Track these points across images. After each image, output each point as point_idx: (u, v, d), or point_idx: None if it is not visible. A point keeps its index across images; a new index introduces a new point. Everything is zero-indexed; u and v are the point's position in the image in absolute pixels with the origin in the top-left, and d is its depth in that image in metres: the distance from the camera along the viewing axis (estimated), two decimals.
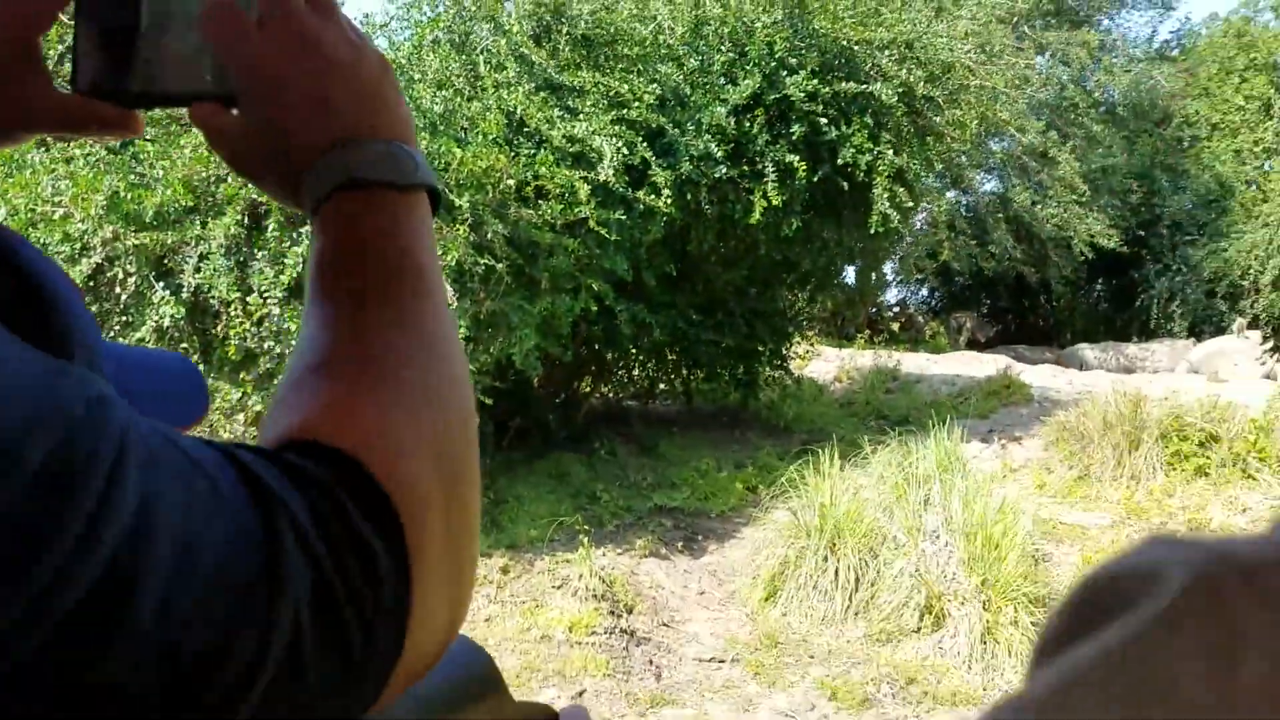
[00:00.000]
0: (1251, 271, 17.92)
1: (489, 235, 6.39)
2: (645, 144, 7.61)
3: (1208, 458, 8.91)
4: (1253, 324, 17.28)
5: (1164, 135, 21.26)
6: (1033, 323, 22.08)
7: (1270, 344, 15.82)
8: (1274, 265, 17.52)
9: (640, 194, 7.59)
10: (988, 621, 6.37)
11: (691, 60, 8.61)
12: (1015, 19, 18.05)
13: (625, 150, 7.40)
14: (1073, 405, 10.44)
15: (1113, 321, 21.14)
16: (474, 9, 8.43)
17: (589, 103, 7.63)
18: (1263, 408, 9.52)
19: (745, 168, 8.39)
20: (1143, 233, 19.60)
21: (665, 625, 6.72)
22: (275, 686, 0.44)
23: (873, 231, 8.67)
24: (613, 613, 6.59)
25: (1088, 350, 17.61)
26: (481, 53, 8.01)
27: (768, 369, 10.74)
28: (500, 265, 6.40)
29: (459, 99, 7.37)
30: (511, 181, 6.90)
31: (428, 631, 0.54)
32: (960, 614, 6.43)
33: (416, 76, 7.36)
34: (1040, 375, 13.53)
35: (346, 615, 0.48)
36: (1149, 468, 8.95)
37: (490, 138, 6.97)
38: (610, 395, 10.82)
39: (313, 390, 0.56)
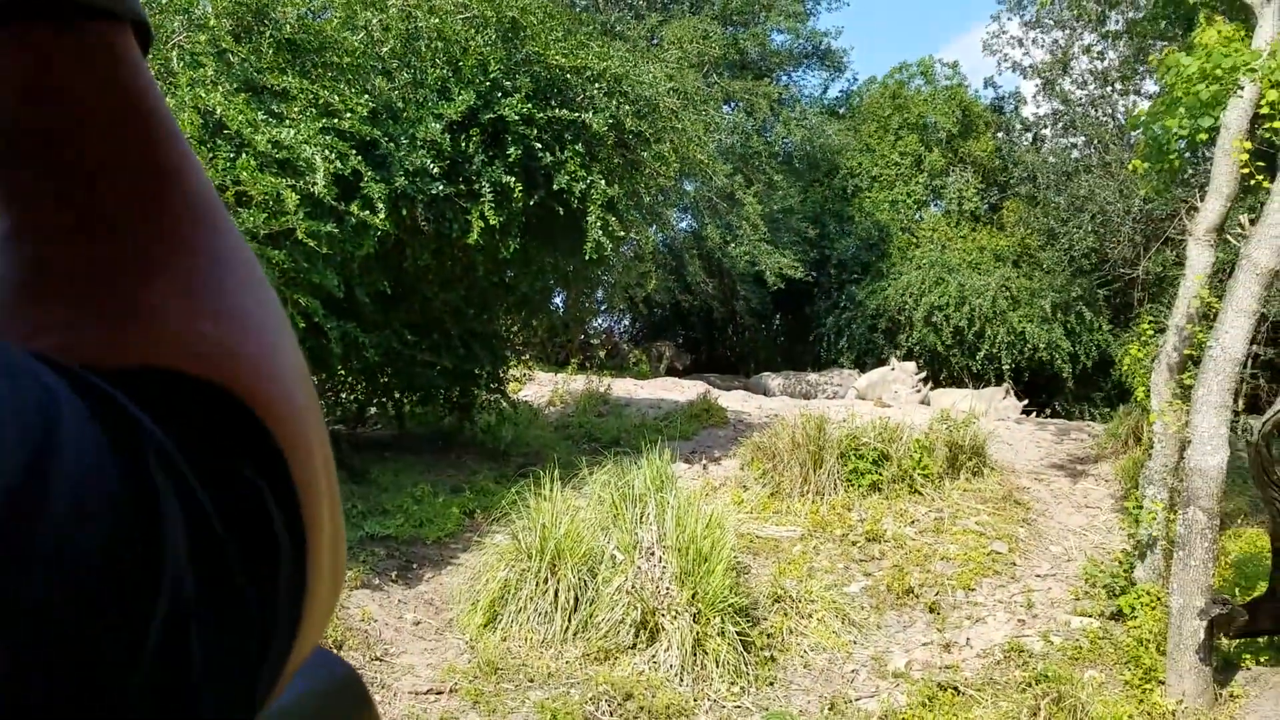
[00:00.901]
0: (906, 309, 20.21)
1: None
2: (358, 155, 7.29)
3: (880, 474, 9.82)
4: (908, 355, 19.43)
5: (832, 185, 23.51)
6: (722, 352, 23.53)
7: (923, 374, 17.82)
8: (925, 303, 19.86)
9: (353, 207, 7.25)
10: (698, 634, 6.61)
11: (404, 73, 8.39)
12: (705, 67, 19.27)
13: (337, 161, 7.05)
14: (764, 428, 11.17)
15: (790, 352, 22.96)
16: (166, 1, 7.72)
17: (296, 108, 7.21)
18: (924, 429, 10.64)
19: (462, 186, 8.28)
20: (815, 273, 21.49)
21: (379, 660, 6.38)
22: (159, 666, 0.33)
23: (587, 258, 8.82)
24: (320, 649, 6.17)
25: (771, 378, 18.97)
26: (174, 47, 7.34)
27: (485, 392, 10.61)
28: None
29: None
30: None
31: (318, 613, 0.44)
32: (673, 627, 6.62)
33: None
34: (734, 400, 14.40)
35: (242, 592, 0.37)
36: (831, 484, 9.73)
37: (184, 137, 6.39)
38: None
39: (126, 294, 0.41)
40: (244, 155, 6.71)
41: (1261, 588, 6.74)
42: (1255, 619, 6.43)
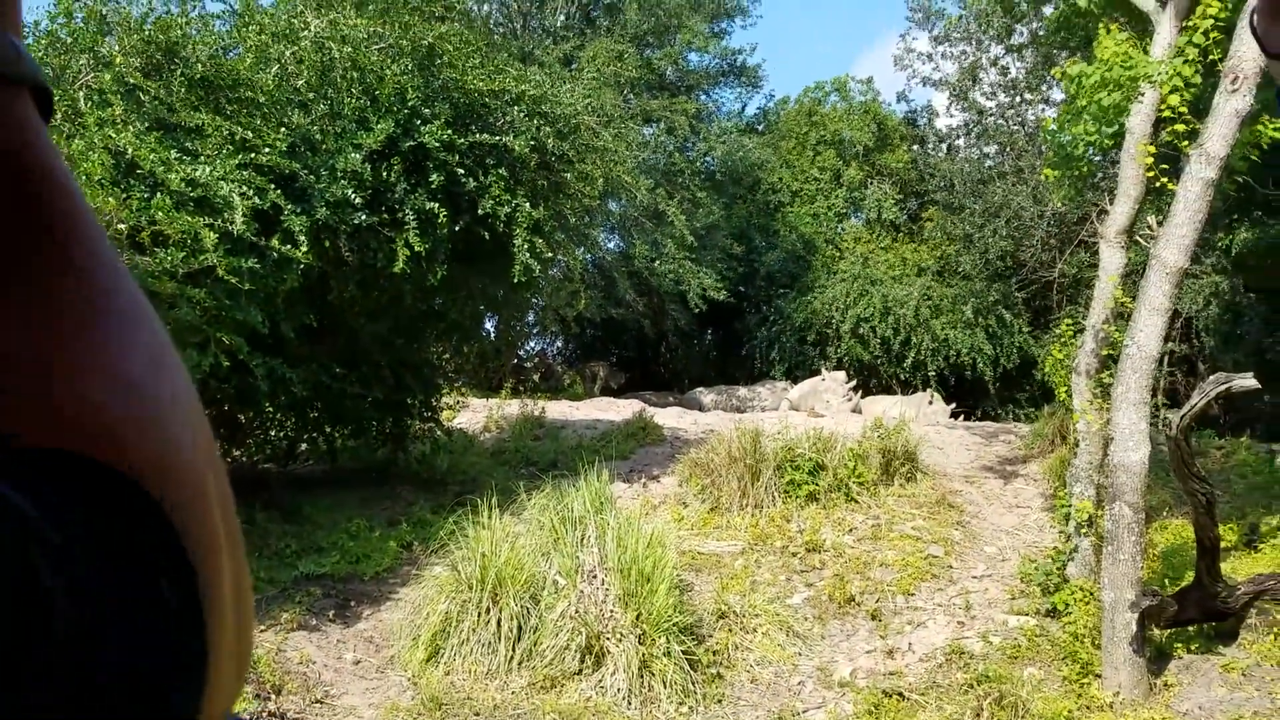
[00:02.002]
0: (834, 320, 20.53)
1: None
2: (277, 189, 7.17)
3: (817, 484, 9.91)
4: (837, 365, 19.71)
5: (756, 200, 23.82)
6: (655, 370, 23.60)
7: (853, 383, 18.09)
8: (852, 315, 20.21)
9: (274, 241, 7.11)
10: (644, 655, 6.58)
11: (321, 105, 8.28)
12: (623, 87, 19.40)
13: (256, 197, 6.92)
14: (700, 443, 11.21)
15: (723, 367, 23.13)
16: (70, 41, 7.51)
17: (210, 145, 7.06)
18: (858, 438, 10.78)
19: (385, 215, 8.18)
20: (743, 287, 21.73)
21: (319, 702, 6.22)
22: None
23: (516, 281, 8.78)
24: (258, 696, 6.00)
25: (705, 394, 19.08)
26: (81, 88, 7.14)
27: (418, 422, 10.45)
28: None
29: (57, 137, 6.49)
30: (123, 226, 6.19)
31: (225, 674, 0.42)
32: (619, 650, 6.58)
33: None
34: (669, 417, 14.42)
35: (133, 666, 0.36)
36: (769, 496, 9.79)
37: (95, 179, 6.21)
38: (245, 459, 9.94)
39: (7, 365, 0.40)
40: (159, 195, 6.55)
41: (1188, 578, 6.95)
42: (1184, 609, 6.63)
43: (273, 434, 10.08)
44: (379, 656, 6.85)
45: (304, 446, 10.46)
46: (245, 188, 6.84)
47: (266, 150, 7.22)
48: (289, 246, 7.12)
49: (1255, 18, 0.85)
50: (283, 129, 7.65)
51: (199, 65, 7.54)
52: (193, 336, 6.71)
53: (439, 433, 10.81)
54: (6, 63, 0.44)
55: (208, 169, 6.77)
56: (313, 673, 6.46)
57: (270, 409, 9.27)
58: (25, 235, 0.42)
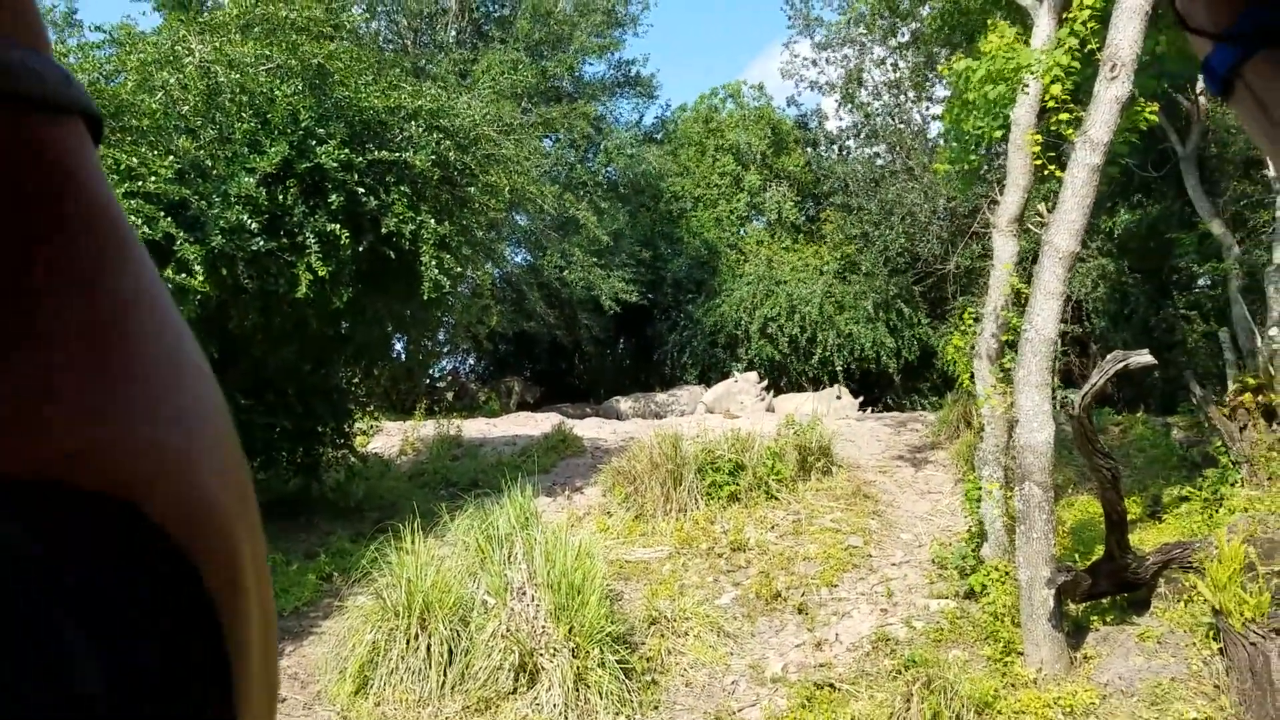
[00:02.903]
0: (742, 323, 20.80)
1: None
2: (168, 218, 6.93)
3: (738, 484, 10.01)
4: (749, 367, 19.97)
5: (659, 209, 23.99)
6: (570, 381, 23.54)
7: (765, 383, 18.34)
8: (759, 315, 20.50)
9: (169, 271, 6.87)
10: (578, 668, 6.53)
11: (209, 130, 8.04)
12: (520, 98, 19.32)
13: (145, 226, 6.67)
14: (621, 452, 11.21)
15: (636, 374, 23.20)
16: None
17: None
18: (774, 436, 10.92)
19: (285, 239, 7.98)
20: (652, 295, 21.84)
21: None
22: None
23: (426, 298, 8.65)
24: None
25: (622, 402, 19.10)
26: None
27: (330, 449, 10.20)
28: None
29: None
30: None
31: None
32: (553, 665, 6.51)
33: None
34: (588, 428, 14.39)
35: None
36: (692, 499, 9.85)
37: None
38: None
39: (39, 395, 0.37)
40: None
41: (1099, 551, 7.21)
42: (1097, 582, 6.88)
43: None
44: (305, 693, 6.65)
45: None
46: (134, 217, 6.59)
47: (153, 178, 6.98)
48: (184, 276, 6.88)
49: None
50: (170, 156, 7.40)
51: None
52: None
53: (353, 459, 10.57)
54: (57, 91, 0.43)
55: None
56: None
57: None
58: (76, 268, 0.40)
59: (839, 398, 17.31)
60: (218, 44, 8.27)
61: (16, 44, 0.43)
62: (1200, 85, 13.22)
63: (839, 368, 19.90)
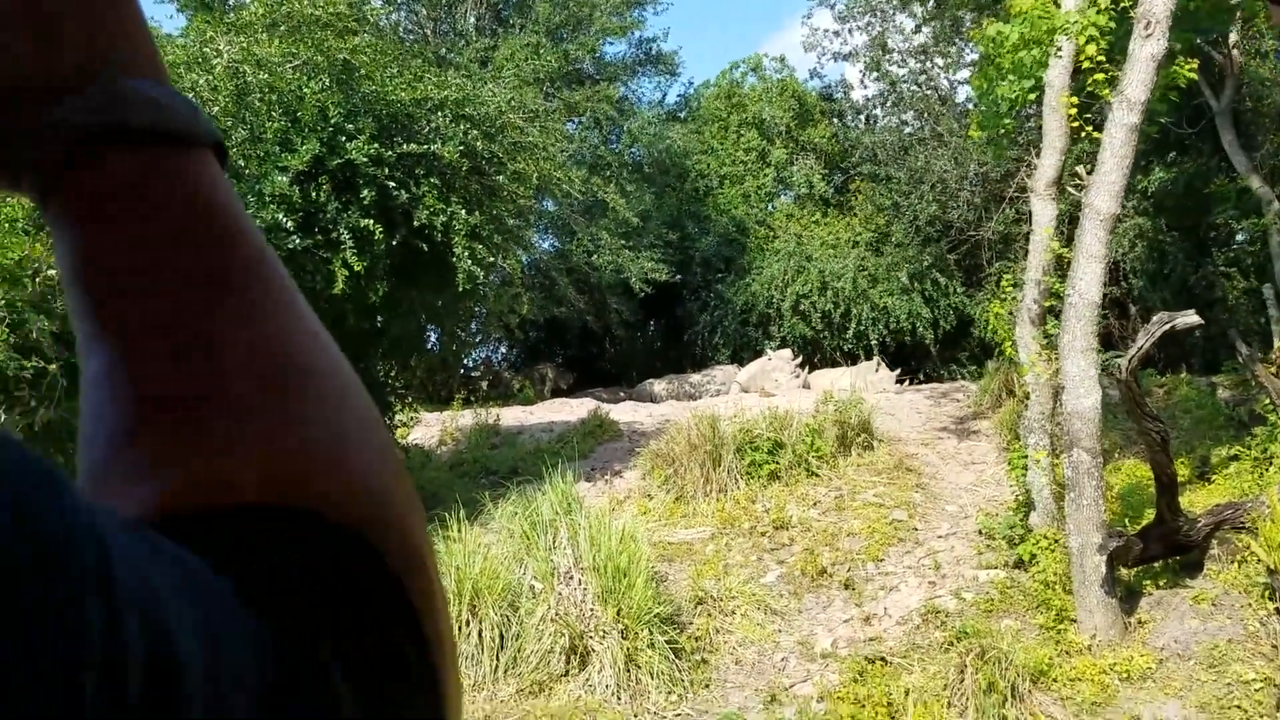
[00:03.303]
0: (774, 300, 20.68)
1: (33, 334, 5.45)
2: None
3: (777, 463, 9.99)
4: (781, 344, 19.87)
5: (685, 188, 23.86)
6: (602, 366, 23.53)
7: (799, 359, 18.26)
8: (791, 293, 20.37)
9: None
10: (628, 650, 6.57)
11: (240, 130, 8.10)
12: (543, 83, 19.27)
13: None
14: (659, 434, 11.21)
15: (669, 356, 23.16)
16: None
17: None
18: (811, 412, 10.88)
19: (319, 237, 8.03)
20: (681, 275, 21.76)
21: None
22: None
23: (460, 289, 8.68)
24: None
25: (656, 384, 19.09)
26: None
27: None
28: (52, 367, 5.47)
29: None
30: (53, 271, 5.98)
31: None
32: (603, 648, 6.56)
33: None
34: (624, 412, 14.41)
35: None
36: (732, 479, 9.84)
37: (17, 224, 6.00)
38: None
39: (221, 423, 0.39)
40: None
41: (1149, 515, 7.13)
42: (1149, 546, 6.80)
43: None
44: None
45: None
46: None
47: None
48: None
49: None
50: None
51: None
52: None
53: None
54: (191, 126, 0.45)
55: None
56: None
57: None
58: (223, 292, 0.43)
59: (877, 370, 17.19)
60: (245, 44, 8.31)
61: (158, 81, 0.45)
62: (1235, 38, 12.94)
63: (874, 341, 19.74)
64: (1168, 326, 6.25)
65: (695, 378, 19.09)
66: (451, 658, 0.42)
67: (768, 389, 16.39)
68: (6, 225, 5.93)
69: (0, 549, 0.24)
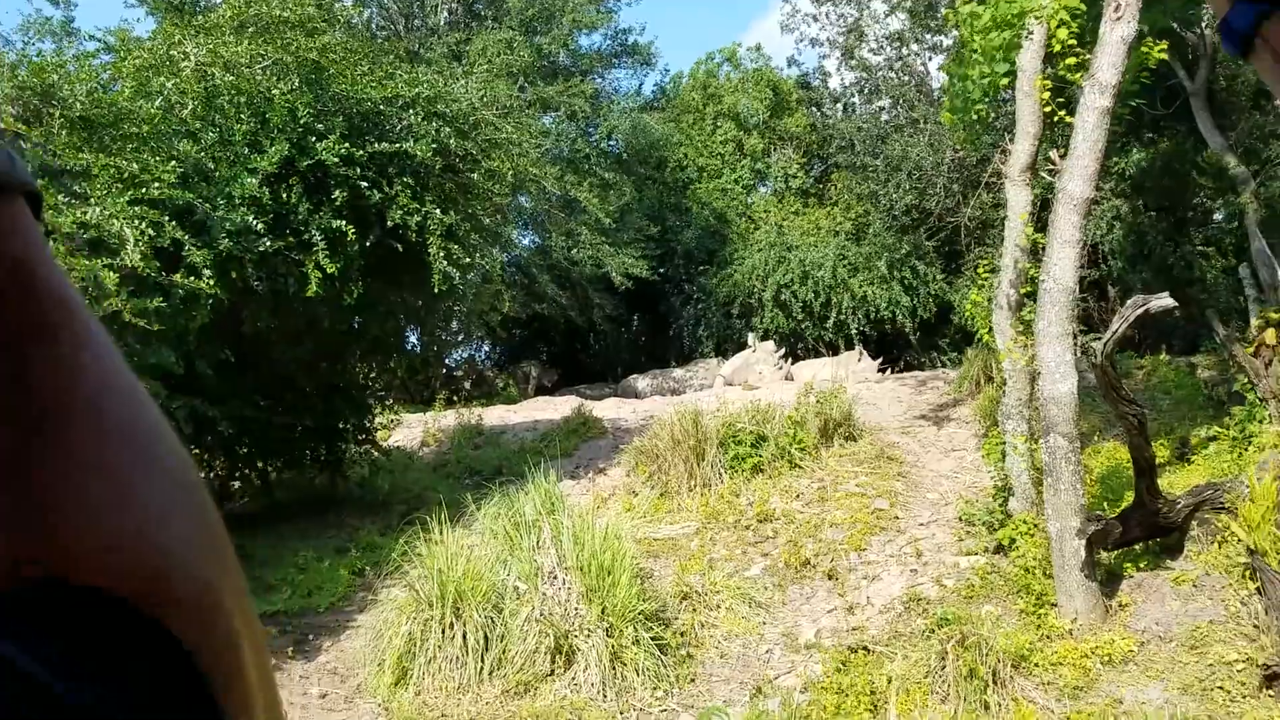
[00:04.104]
0: (756, 291, 20.69)
1: None
2: (174, 223, 6.92)
3: (760, 456, 9.98)
4: (764, 335, 19.88)
5: (664, 180, 23.83)
6: (586, 362, 23.51)
7: (783, 351, 18.27)
8: (773, 283, 20.38)
9: (177, 276, 6.88)
10: (614, 647, 6.56)
11: (209, 133, 8.02)
12: (517, 77, 19.18)
13: (152, 231, 6.67)
14: (643, 431, 11.20)
15: (652, 350, 23.15)
16: None
17: (99, 185, 6.79)
18: (794, 405, 10.87)
19: (291, 239, 7.96)
20: (663, 268, 21.75)
21: None
22: None
23: (435, 290, 8.62)
24: None
25: (640, 380, 19.06)
26: None
27: (353, 445, 10.23)
28: None
29: None
30: None
31: None
32: (588, 646, 6.54)
33: None
34: (608, 409, 14.38)
35: None
36: (716, 473, 9.84)
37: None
38: None
39: (15, 495, 0.37)
40: (53, 242, 6.27)
41: (1128, 498, 7.15)
42: (1128, 529, 6.82)
43: (201, 475, 9.76)
44: (345, 687, 6.71)
45: (237, 484, 10.17)
46: (139, 222, 6.59)
47: (157, 184, 6.97)
48: (193, 280, 6.89)
49: None
50: (172, 161, 7.39)
51: (77, 104, 7.23)
52: None
53: (376, 453, 10.60)
54: (6, 173, 0.43)
55: (98, 209, 6.51)
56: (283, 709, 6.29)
57: (196, 450, 9.00)
58: (34, 351, 0.40)
59: (859, 360, 17.22)
60: (212, 46, 8.23)
61: None
62: (1206, 18, 12.98)
63: (855, 331, 19.80)
64: (1142, 310, 6.26)
65: (679, 372, 19.08)
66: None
67: (751, 382, 16.39)
68: None
69: None
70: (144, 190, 6.93)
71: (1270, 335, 8.81)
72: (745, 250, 21.55)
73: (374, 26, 20.73)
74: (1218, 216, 15.45)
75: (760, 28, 69.37)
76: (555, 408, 14.84)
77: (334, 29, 10.41)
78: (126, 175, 7.01)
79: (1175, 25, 11.80)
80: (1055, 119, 7.41)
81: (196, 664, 0.36)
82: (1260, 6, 0.77)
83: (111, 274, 6.27)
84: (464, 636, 6.56)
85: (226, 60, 8.18)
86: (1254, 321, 9.63)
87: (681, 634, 7.12)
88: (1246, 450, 8.25)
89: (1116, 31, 6.18)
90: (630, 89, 25.99)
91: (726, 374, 17.56)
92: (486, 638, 6.60)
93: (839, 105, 24.15)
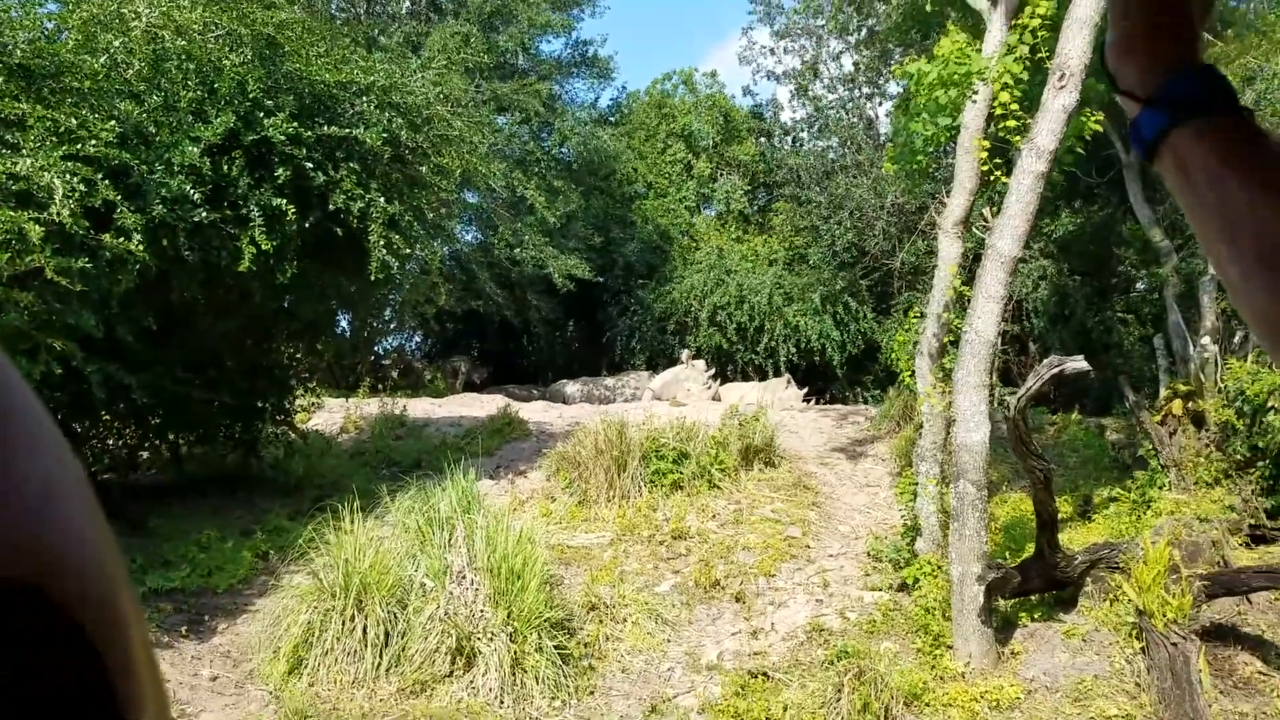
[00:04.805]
0: (693, 309, 20.87)
1: None
2: (108, 183, 6.75)
3: (681, 473, 10.07)
4: (697, 354, 20.07)
5: (612, 191, 23.93)
6: (518, 362, 23.42)
7: (713, 371, 18.44)
8: (709, 303, 20.59)
9: (106, 238, 6.70)
10: (516, 653, 6.54)
11: (154, 96, 7.84)
12: (473, 72, 19.05)
13: (84, 188, 6.49)
14: (567, 437, 11.20)
15: (585, 357, 23.17)
16: None
17: (32, 137, 6.58)
18: (718, 425, 11.00)
19: (228, 211, 7.81)
20: (603, 278, 21.83)
21: None
22: None
23: (372, 278, 8.54)
24: None
25: (569, 385, 19.07)
26: None
27: (270, 425, 10.04)
28: None
29: None
30: None
31: None
32: (490, 650, 6.52)
33: None
34: (534, 411, 14.35)
35: None
36: (636, 486, 9.89)
37: None
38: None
39: None
40: None
41: (1029, 549, 7.40)
42: (1027, 579, 7.05)
43: (111, 443, 9.49)
44: (237, 672, 6.58)
45: (146, 455, 9.91)
46: (71, 177, 6.41)
47: (94, 142, 6.78)
48: (123, 241, 6.72)
49: (1108, 53, 0.90)
50: (112, 120, 7.20)
51: (18, 51, 7.00)
52: (21, 343, 6.26)
53: (293, 436, 10.43)
54: None
55: (30, 161, 6.32)
56: (167, 692, 6.15)
57: (108, 416, 8.75)
58: None
59: (786, 388, 17.47)
60: (166, 9, 8.05)
61: None
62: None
63: (784, 358, 20.08)
64: (1057, 370, 6.50)
65: (609, 381, 19.14)
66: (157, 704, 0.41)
67: (679, 398, 16.51)
68: None
69: None
70: (79, 146, 6.74)
71: (1177, 406, 9.19)
72: (685, 270, 21.76)
73: (334, 8, 20.44)
74: (1140, 286, 16.03)
75: (717, 55, 70.11)
76: (482, 405, 14.76)
77: (293, 6, 10.26)
78: (63, 130, 6.80)
79: (1116, 98, 12.23)
80: (992, 178, 7.66)
81: (90, 640, 0.37)
82: (1166, 118, 0.83)
83: (37, 228, 6.08)
84: (364, 630, 6.49)
85: (179, 24, 8.01)
86: (1163, 391, 10.03)
87: (585, 645, 7.14)
88: (1145, 514, 8.59)
89: (1059, 100, 6.42)
90: (586, 99, 26.09)
91: (656, 388, 17.66)
92: (387, 633, 6.54)
93: (789, 138, 24.54)
